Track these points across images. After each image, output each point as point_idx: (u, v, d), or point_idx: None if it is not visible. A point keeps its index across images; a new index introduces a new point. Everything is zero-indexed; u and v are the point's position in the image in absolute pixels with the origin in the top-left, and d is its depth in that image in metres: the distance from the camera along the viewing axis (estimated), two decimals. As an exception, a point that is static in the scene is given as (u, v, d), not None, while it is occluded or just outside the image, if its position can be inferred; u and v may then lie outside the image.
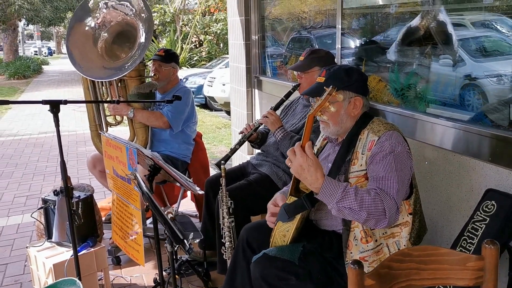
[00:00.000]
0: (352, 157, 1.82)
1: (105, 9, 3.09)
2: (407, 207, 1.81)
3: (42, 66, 25.57)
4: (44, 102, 2.23)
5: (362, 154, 1.79)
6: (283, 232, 1.92)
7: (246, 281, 2.16)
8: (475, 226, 1.81)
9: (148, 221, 3.54)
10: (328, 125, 1.86)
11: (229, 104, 9.49)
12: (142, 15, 2.99)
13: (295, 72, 2.77)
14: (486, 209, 1.81)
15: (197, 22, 16.35)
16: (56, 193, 2.43)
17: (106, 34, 3.16)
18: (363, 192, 1.66)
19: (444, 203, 2.16)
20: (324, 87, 1.67)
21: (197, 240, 2.54)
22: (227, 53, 16.11)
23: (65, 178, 2.31)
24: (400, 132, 1.81)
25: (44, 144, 7.15)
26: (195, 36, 16.91)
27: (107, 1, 3.03)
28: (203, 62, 15.92)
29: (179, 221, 1.82)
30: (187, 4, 17.14)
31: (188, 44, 15.98)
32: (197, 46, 17.21)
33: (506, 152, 1.84)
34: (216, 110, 10.46)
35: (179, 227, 1.74)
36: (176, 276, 2.62)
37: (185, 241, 1.65)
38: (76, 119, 9.39)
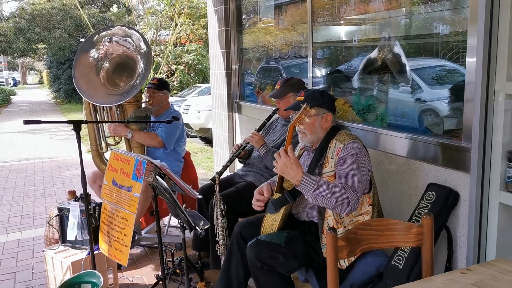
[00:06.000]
0: (324, 161, 2.33)
1: (108, 42, 3.55)
2: (367, 199, 2.32)
3: (10, 96, 25.50)
4: (69, 122, 2.66)
5: (331, 158, 2.30)
6: (271, 222, 2.40)
7: (240, 269, 2.61)
8: (420, 212, 2.33)
9: (144, 231, 3.94)
10: (306, 135, 2.36)
11: (204, 130, 10.03)
12: (141, 50, 3.47)
13: (273, 99, 3.29)
14: (428, 198, 2.34)
15: (169, 52, 16.87)
16: (77, 199, 2.83)
17: (107, 65, 3.61)
18: (333, 184, 2.16)
19: (398, 198, 2.69)
20: (301, 104, 2.19)
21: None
22: (199, 82, 16.73)
23: (85, 186, 2.72)
24: (361, 141, 2.34)
25: (27, 170, 7.40)
26: (166, 66, 17.40)
27: (111, 36, 3.50)
28: (175, 91, 16.39)
29: (189, 214, 2.26)
30: (159, 35, 17.68)
31: (160, 73, 16.45)
32: (169, 76, 17.70)
33: (441, 154, 2.39)
34: (191, 136, 10.89)
35: (190, 218, 2.19)
36: (177, 271, 3.05)
37: (197, 227, 2.10)
38: (54, 146, 9.65)
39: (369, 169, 2.29)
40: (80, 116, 14.95)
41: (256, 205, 2.46)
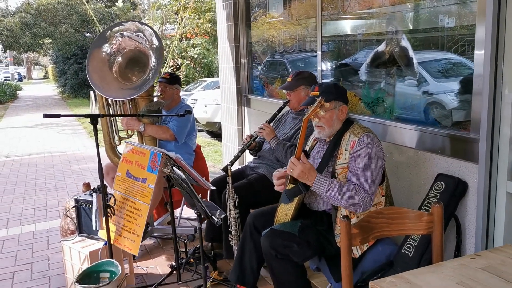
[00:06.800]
0: (337, 153, 2.39)
1: (120, 38, 3.62)
2: (380, 191, 2.39)
3: (17, 91, 25.64)
4: (86, 115, 2.73)
5: (345, 150, 2.36)
6: (285, 212, 2.47)
7: (253, 258, 2.70)
8: (429, 201, 2.40)
9: (156, 223, 4.02)
10: (324, 129, 2.41)
11: (211, 124, 10.11)
12: (153, 45, 3.54)
13: (284, 91, 3.35)
14: (437, 188, 2.40)
15: (175, 47, 16.93)
16: (94, 190, 2.91)
17: (120, 60, 3.67)
18: (344, 186, 2.23)
19: (407, 189, 2.76)
20: (315, 98, 2.26)
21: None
22: (204, 77, 16.78)
23: (102, 177, 2.80)
24: (374, 134, 2.40)
25: (38, 164, 7.49)
26: (172, 60, 17.46)
27: (123, 32, 3.57)
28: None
29: (205, 205, 2.34)
30: (164, 30, 17.74)
31: (165, 68, 16.51)
32: (175, 70, 17.76)
33: (450, 145, 2.45)
34: (198, 130, 10.95)
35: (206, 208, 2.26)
36: (191, 261, 3.13)
37: (213, 216, 2.17)
38: (63, 141, 9.75)
39: (383, 161, 2.35)
40: (87, 110, 15.05)
41: (278, 183, 2.52)
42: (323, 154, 2.46)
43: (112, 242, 2.88)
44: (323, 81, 3.67)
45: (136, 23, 3.66)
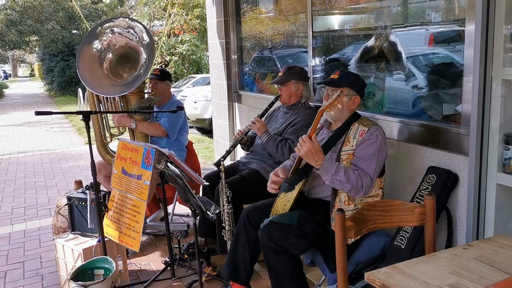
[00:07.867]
0: (344, 140, 2.42)
1: (111, 34, 3.60)
2: (379, 183, 2.43)
3: (3, 89, 25.35)
4: (78, 112, 2.72)
5: (353, 138, 2.39)
6: (284, 202, 2.48)
7: (247, 253, 2.71)
8: (421, 193, 2.43)
9: (148, 219, 4.02)
10: (332, 110, 2.43)
11: (201, 121, 10.09)
12: (144, 42, 3.52)
13: (275, 85, 3.36)
14: (429, 180, 2.44)
15: (163, 43, 16.85)
16: (87, 187, 2.90)
17: (110, 56, 3.65)
18: (349, 170, 2.28)
19: (399, 182, 2.79)
20: (334, 90, 2.33)
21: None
22: (193, 73, 16.72)
23: (95, 175, 2.79)
24: (382, 129, 2.44)
25: (27, 163, 7.42)
26: (160, 57, 17.38)
27: (114, 28, 3.55)
28: (169, 82, 16.37)
29: (199, 200, 2.34)
30: (152, 26, 17.64)
31: (154, 65, 16.42)
32: (163, 66, 17.68)
33: (441, 138, 2.48)
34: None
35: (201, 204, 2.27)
36: (185, 256, 3.14)
37: (208, 212, 2.18)
38: (52, 139, 9.67)
39: (387, 154, 2.40)
40: (75, 107, 14.94)
41: (271, 187, 2.54)
42: (328, 139, 2.49)
43: (117, 241, 2.87)
44: (314, 76, 3.69)
45: (127, 19, 3.64)
